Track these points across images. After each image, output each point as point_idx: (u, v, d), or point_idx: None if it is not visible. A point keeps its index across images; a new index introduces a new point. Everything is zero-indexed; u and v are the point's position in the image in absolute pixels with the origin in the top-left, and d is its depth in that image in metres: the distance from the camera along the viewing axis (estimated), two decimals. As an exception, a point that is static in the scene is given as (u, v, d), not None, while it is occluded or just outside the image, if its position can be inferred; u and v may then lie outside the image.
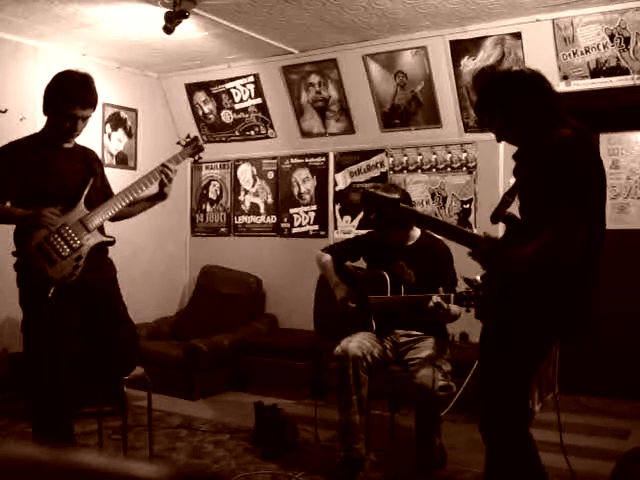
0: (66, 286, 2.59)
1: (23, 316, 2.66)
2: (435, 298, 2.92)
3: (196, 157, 3.14)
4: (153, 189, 2.91)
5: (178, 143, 3.14)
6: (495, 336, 2.23)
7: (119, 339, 2.86)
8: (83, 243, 2.66)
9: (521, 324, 2.14)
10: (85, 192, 2.70)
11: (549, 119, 2.16)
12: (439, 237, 3.31)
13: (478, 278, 2.28)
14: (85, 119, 2.70)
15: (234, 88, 5.26)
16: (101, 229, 2.78)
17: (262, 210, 5.48)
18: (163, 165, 2.88)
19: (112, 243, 2.81)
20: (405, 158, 4.78)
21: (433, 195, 4.66)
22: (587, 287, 2.11)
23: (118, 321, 2.86)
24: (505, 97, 2.17)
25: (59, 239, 2.59)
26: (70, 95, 2.63)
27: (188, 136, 3.16)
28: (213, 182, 5.76)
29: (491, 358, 2.25)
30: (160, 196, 2.93)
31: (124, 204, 2.78)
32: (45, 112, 2.70)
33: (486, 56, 4.15)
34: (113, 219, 2.84)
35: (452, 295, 2.86)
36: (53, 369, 2.61)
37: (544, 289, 2.08)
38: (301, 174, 5.27)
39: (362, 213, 2.68)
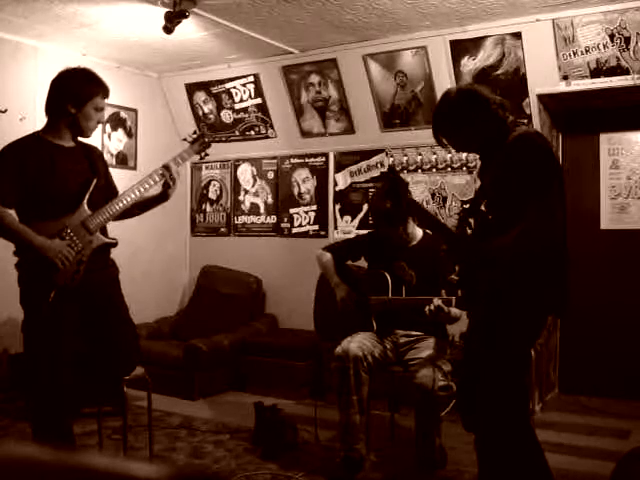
0: (68, 288, 2.59)
1: (24, 316, 2.65)
2: (436, 301, 2.92)
3: (203, 154, 3.12)
4: (156, 190, 2.89)
5: (184, 140, 3.12)
6: (488, 329, 2.25)
7: (120, 339, 2.85)
8: (85, 246, 2.64)
9: (513, 312, 2.21)
10: (88, 193, 2.67)
11: (505, 125, 2.36)
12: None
13: (454, 277, 2.33)
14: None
15: (234, 88, 5.26)
16: (103, 230, 2.76)
17: (262, 210, 5.48)
18: (164, 166, 2.85)
19: (114, 245, 2.80)
20: (405, 158, 4.78)
21: (433, 195, 4.66)
22: (566, 265, 2.28)
23: (119, 322, 2.85)
24: (467, 112, 2.34)
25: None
26: (94, 89, 2.65)
27: (195, 132, 3.14)
28: (213, 182, 5.76)
29: (487, 354, 2.25)
30: (163, 198, 2.90)
31: (126, 205, 2.76)
32: (55, 111, 2.66)
33: (486, 56, 4.14)
34: (117, 218, 2.83)
35: (454, 298, 2.87)
36: (53, 369, 2.61)
37: (531, 272, 2.18)
38: (301, 174, 5.27)
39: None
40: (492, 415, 2.24)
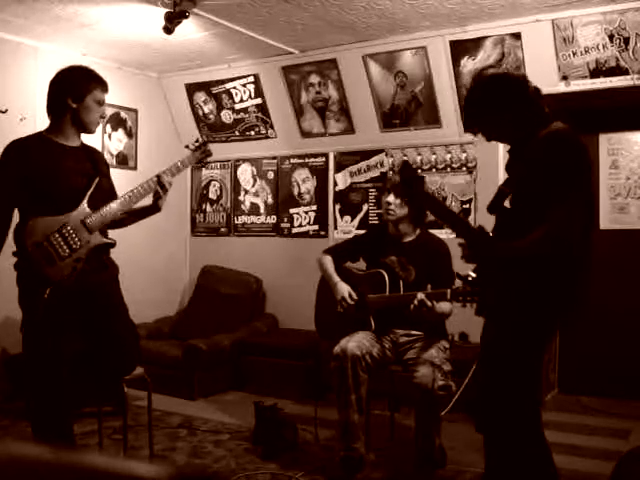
0: (66, 287, 2.59)
1: (22, 316, 2.66)
2: (419, 296, 2.92)
3: (203, 163, 3.13)
4: (147, 201, 2.88)
5: (187, 147, 3.12)
6: (502, 331, 2.23)
7: (120, 339, 2.85)
8: (83, 244, 2.64)
9: (526, 314, 2.17)
10: (89, 192, 2.68)
11: (539, 117, 2.26)
12: (437, 235, 3.36)
13: (471, 273, 2.29)
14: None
15: (234, 88, 5.26)
16: (103, 231, 2.76)
17: (262, 210, 5.49)
18: (158, 176, 2.83)
19: (113, 245, 2.79)
20: (405, 158, 4.78)
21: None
22: (583, 272, 2.21)
23: (119, 321, 2.85)
24: (500, 98, 2.25)
25: (59, 239, 2.58)
26: (93, 83, 2.67)
27: (197, 140, 3.13)
28: (213, 182, 5.76)
29: (499, 354, 2.24)
30: (153, 208, 2.87)
31: (125, 209, 2.76)
32: (56, 108, 2.68)
33: (486, 56, 4.14)
34: (109, 227, 2.83)
35: (449, 291, 2.86)
36: (52, 369, 2.61)
37: (546, 277, 2.14)
38: (301, 174, 5.27)
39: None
40: (503, 417, 2.24)
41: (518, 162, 2.28)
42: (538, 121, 2.23)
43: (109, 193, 2.83)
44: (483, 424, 2.34)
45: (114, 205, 2.73)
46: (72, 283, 2.60)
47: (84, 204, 2.66)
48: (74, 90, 2.65)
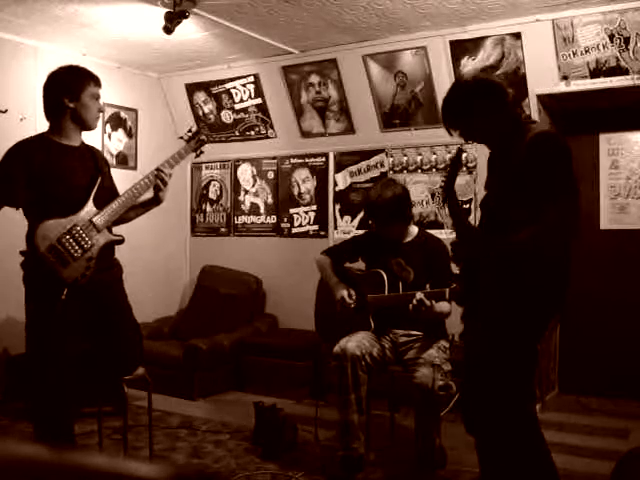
0: (77, 287, 2.60)
1: (28, 314, 2.65)
2: (418, 295, 2.92)
3: (198, 152, 3.11)
4: (148, 194, 2.90)
5: (180, 138, 3.13)
6: (489, 331, 2.24)
7: (124, 339, 2.86)
8: (94, 243, 2.66)
9: (518, 311, 2.19)
10: (94, 191, 2.70)
11: (518, 121, 2.36)
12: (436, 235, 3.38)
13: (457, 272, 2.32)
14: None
15: (234, 88, 5.26)
16: (109, 228, 2.77)
17: (262, 210, 5.48)
18: (157, 169, 2.86)
19: (121, 242, 2.81)
20: (405, 158, 4.78)
21: (433, 195, 4.66)
22: (569, 266, 2.27)
23: (124, 321, 2.86)
24: (482, 102, 2.31)
25: (71, 240, 2.59)
26: (85, 79, 2.69)
27: (190, 130, 3.14)
28: (213, 182, 5.76)
29: (488, 355, 2.24)
30: (155, 201, 2.90)
31: (129, 204, 2.78)
32: (55, 110, 2.69)
33: (486, 56, 4.14)
34: (114, 223, 2.84)
35: (447, 290, 2.86)
36: (58, 369, 2.61)
37: (541, 272, 2.17)
38: (301, 174, 5.27)
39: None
40: (499, 416, 2.23)
41: (505, 164, 2.32)
42: (514, 127, 2.30)
43: (110, 191, 2.85)
44: (472, 426, 2.34)
45: (119, 202, 2.76)
46: (84, 282, 2.61)
47: (90, 203, 2.68)
48: (69, 90, 2.66)
